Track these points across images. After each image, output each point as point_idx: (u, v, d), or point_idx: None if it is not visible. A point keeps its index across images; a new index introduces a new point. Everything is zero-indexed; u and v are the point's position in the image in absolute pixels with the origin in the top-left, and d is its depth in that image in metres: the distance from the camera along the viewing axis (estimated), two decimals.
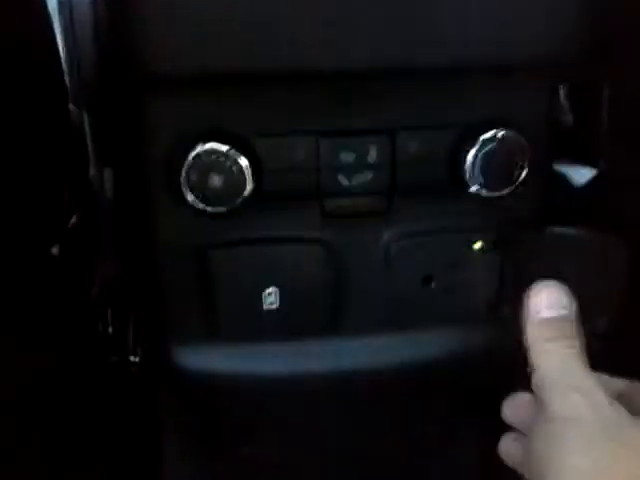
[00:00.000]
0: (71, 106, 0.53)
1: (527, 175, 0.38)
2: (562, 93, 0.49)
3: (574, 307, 0.34)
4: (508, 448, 0.37)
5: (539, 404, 0.31)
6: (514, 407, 0.37)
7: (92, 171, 0.51)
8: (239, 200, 0.36)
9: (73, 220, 0.51)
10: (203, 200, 0.36)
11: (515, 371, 0.42)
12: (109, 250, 0.53)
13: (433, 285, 0.41)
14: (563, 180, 0.49)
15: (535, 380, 0.32)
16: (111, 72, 0.37)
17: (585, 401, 0.29)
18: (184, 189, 0.36)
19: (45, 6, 0.41)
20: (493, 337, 0.43)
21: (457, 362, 0.43)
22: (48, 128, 0.41)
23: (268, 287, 0.39)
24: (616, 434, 0.28)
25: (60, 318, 0.49)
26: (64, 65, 0.41)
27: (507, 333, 0.42)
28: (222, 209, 0.37)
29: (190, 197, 0.36)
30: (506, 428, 0.41)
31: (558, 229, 0.41)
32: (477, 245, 0.40)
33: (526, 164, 0.38)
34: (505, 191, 0.39)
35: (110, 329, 0.54)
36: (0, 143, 0.38)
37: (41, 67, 0.40)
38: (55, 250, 0.47)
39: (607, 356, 0.38)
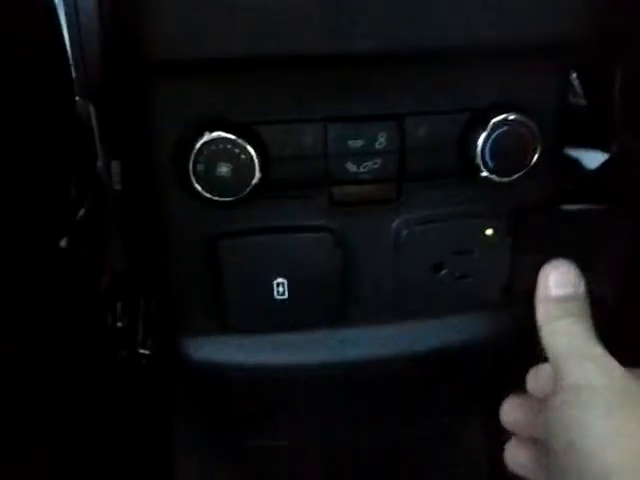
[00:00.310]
0: (78, 98, 0.53)
1: (538, 159, 0.38)
2: (574, 76, 0.49)
3: (582, 286, 0.35)
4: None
5: (555, 379, 0.31)
6: (536, 378, 0.37)
7: (100, 163, 0.50)
8: (247, 189, 0.36)
9: (81, 213, 0.51)
10: (211, 190, 0.36)
11: (530, 358, 0.41)
12: (118, 243, 0.53)
13: (444, 272, 0.40)
14: (575, 164, 0.48)
15: (550, 357, 0.32)
16: (116, 62, 0.36)
17: (599, 369, 0.30)
18: (192, 179, 0.36)
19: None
20: (506, 323, 0.42)
21: (469, 350, 0.42)
22: (54, 121, 0.41)
23: (277, 277, 0.39)
24: (636, 398, 0.28)
25: (68, 311, 0.49)
26: (70, 57, 0.40)
27: (521, 319, 0.42)
28: (230, 198, 0.36)
29: (198, 187, 0.36)
30: None
31: (570, 207, 0.40)
32: (488, 231, 0.40)
33: (538, 148, 0.38)
34: (516, 176, 0.38)
35: (119, 323, 0.54)
36: (5, 136, 0.38)
37: (45, 59, 0.40)
38: (63, 243, 0.46)
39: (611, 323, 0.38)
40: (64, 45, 0.41)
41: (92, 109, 0.48)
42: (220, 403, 0.45)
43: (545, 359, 0.35)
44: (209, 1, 0.32)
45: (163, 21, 0.32)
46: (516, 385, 0.41)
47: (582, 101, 0.49)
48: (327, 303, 0.40)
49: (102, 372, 0.53)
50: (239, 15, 0.32)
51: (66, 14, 0.38)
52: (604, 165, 0.47)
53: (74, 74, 0.40)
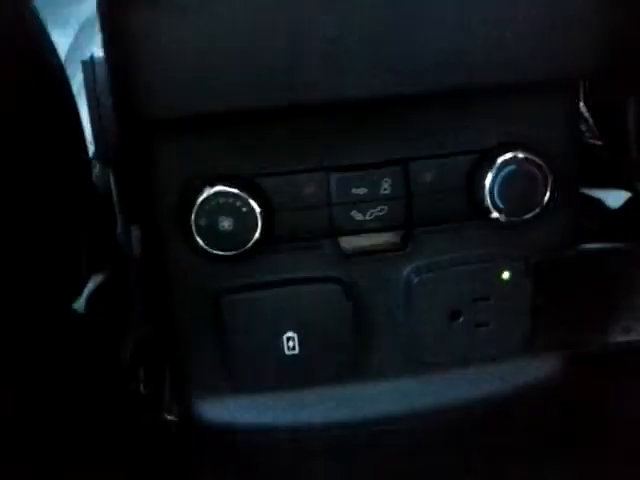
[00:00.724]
0: (97, 165, 0.54)
1: (551, 198, 0.37)
2: (588, 115, 0.48)
3: None
4: None
5: None
6: None
7: (119, 229, 0.51)
8: (250, 242, 0.36)
9: (100, 279, 0.51)
10: (213, 244, 0.36)
11: (559, 407, 0.39)
12: (140, 308, 0.53)
13: (461, 320, 0.39)
14: (598, 204, 0.47)
15: None
16: (124, 125, 0.37)
17: None
18: (194, 234, 0.35)
19: (62, 69, 0.42)
20: (532, 371, 0.40)
21: (496, 402, 0.40)
22: (66, 186, 0.41)
23: (287, 331, 0.38)
24: None
25: (89, 377, 0.48)
26: (89, 125, 0.41)
27: (546, 366, 0.40)
28: (233, 252, 0.36)
29: (200, 242, 0.36)
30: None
31: (591, 246, 0.38)
32: (505, 275, 0.38)
33: (549, 186, 0.36)
34: (529, 215, 0.37)
35: (142, 388, 0.53)
36: (18, 201, 0.38)
37: (57, 128, 0.41)
38: (81, 308, 0.46)
39: None
40: (77, 113, 0.42)
41: (111, 175, 0.49)
42: (235, 469, 0.43)
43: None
44: (200, 58, 0.32)
45: (156, 80, 0.32)
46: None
47: (599, 141, 0.48)
48: (341, 357, 0.39)
49: (126, 438, 0.52)
50: (233, 69, 0.32)
51: (85, 84, 0.39)
52: (627, 203, 0.45)
53: (92, 141, 0.41)
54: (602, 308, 0.39)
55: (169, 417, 0.55)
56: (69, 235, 0.41)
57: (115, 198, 0.48)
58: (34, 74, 0.39)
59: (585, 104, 0.46)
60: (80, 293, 0.43)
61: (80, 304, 0.47)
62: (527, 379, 0.40)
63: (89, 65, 0.39)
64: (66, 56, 0.62)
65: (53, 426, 0.45)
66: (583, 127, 0.49)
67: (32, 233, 0.38)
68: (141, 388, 0.55)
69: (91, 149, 0.53)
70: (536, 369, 0.39)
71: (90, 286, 0.50)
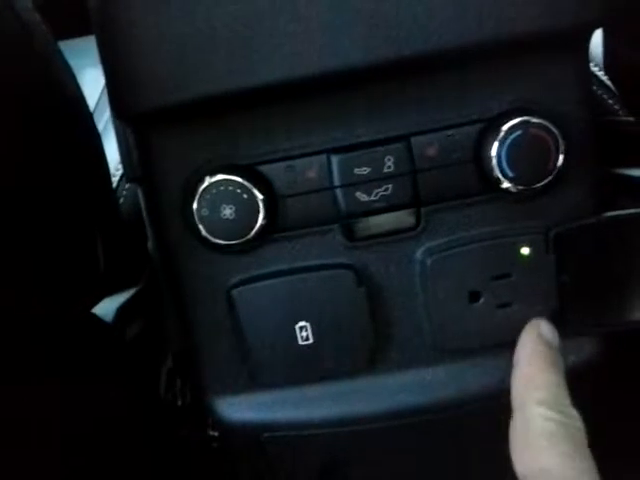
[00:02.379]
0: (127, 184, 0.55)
1: (565, 164, 0.35)
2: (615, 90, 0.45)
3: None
4: None
5: None
6: None
7: (150, 243, 0.52)
8: (253, 230, 0.35)
9: (133, 292, 0.52)
10: (217, 233, 0.35)
11: (590, 389, 0.36)
12: (175, 320, 0.53)
13: (482, 301, 0.37)
14: (629, 181, 0.44)
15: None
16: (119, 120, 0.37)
17: None
18: (197, 224, 0.35)
19: (82, 96, 0.43)
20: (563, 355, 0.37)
21: None
22: (80, 193, 0.42)
23: (299, 321, 0.37)
24: None
25: (121, 388, 0.48)
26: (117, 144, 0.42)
27: (579, 349, 0.37)
28: (237, 241, 0.35)
29: (204, 231, 0.35)
30: None
31: (613, 213, 0.36)
32: (524, 249, 0.36)
33: (561, 151, 0.34)
34: (542, 183, 0.35)
35: (180, 401, 0.53)
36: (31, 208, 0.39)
37: (79, 154, 0.42)
38: (107, 318, 0.47)
39: None
40: (100, 143, 0.43)
41: (140, 192, 0.50)
42: (260, 468, 0.42)
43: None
44: (190, 39, 0.32)
45: (147, 68, 0.33)
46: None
47: (629, 119, 0.45)
48: (358, 346, 0.37)
49: (159, 450, 0.52)
50: (220, 50, 0.32)
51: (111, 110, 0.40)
52: None
53: (121, 160, 0.42)
54: (635, 281, 0.36)
55: (211, 433, 0.54)
56: (83, 239, 0.42)
57: (144, 213, 0.49)
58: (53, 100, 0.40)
59: (608, 76, 0.44)
60: (98, 298, 0.44)
61: (109, 313, 0.48)
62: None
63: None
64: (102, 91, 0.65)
65: (89, 442, 0.45)
66: (613, 104, 0.47)
67: (47, 235, 0.38)
68: (178, 401, 0.55)
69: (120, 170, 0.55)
70: (567, 353, 0.36)
71: (123, 298, 0.51)
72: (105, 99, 0.59)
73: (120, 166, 0.52)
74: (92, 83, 0.59)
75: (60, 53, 0.40)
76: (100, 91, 0.65)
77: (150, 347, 0.53)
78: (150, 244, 0.52)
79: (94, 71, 0.65)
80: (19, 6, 0.35)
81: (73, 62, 0.41)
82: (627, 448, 0.42)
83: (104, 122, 0.58)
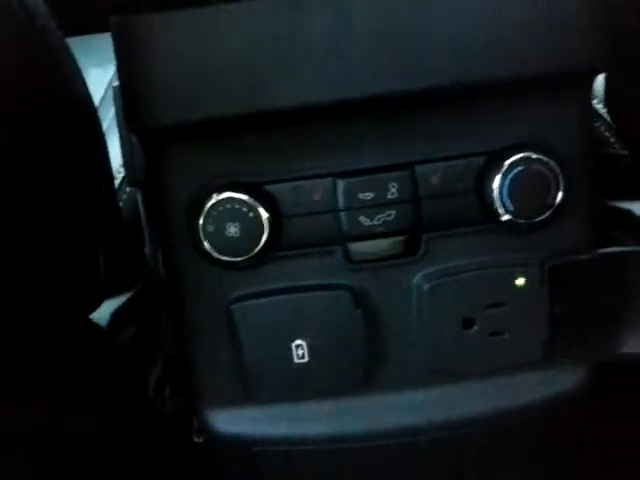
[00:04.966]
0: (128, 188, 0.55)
1: (564, 200, 0.36)
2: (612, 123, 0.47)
3: None
4: None
5: None
6: None
7: (147, 250, 0.52)
8: (257, 248, 0.36)
9: (128, 297, 0.52)
10: (221, 250, 0.36)
11: (580, 422, 0.37)
12: (168, 327, 0.53)
13: (475, 328, 0.38)
14: (626, 215, 0.45)
15: None
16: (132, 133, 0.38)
17: None
18: (202, 240, 0.36)
19: (89, 97, 0.43)
20: (551, 384, 0.38)
21: (513, 415, 0.38)
22: (79, 198, 0.43)
23: (296, 339, 0.37)
24: None
25: (114, 394, 0.49)
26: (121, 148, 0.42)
27: (566, 378, 0.38)
28: (241, 258, 0.36)
29: (208, 248, 0.36)
30: None
31: (608, 250, 0.37)
32: (519, 280, 0.37)
33: (561, 187, 0.35)
34: (541, 218, 0.36)
35: (168, 407, 0.53)
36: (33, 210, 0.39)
37: (81, 155, 0.42)
38: (102, 323, 0.47)
39: None
40: (103, 141, 0.44)
41: (139, 197, 0.50)
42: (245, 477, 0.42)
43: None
44: (207, 60, 0.33)
45: (159, 88, 0.33)
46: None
47: (625, 151, 0.46)
48: (353, 367, 0.38)
49: (149, 454, 0.52)
50: (235, 73, 0.33)
51: (115, 109, 0.40)
52: None
53: (124, 164, 0.42)
54: (624, 316, 0.37)
55: (197, 439, 0.55)
56: (85, 243, 0.42)
57: (143, 219, 0.49)
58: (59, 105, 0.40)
59: (609, 112, 0.45)
60: (97, 303, 0.44)
61: (104, 318, 0.48)
62: (546, 392, 0.39)
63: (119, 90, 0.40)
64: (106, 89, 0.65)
65: (78, 444, 0.46)
66: (610, 137, 0.48)
67: (48, 241, 0.39)
68: (167, 408, 0.55)
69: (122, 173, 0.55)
70: (555, 381, 0.37)
71: (117, 303, 0.52)
72: (109, 98, 0.60)
73: (121, 169, 0.53)
74: (96, 81, 0.60)
75: (70, 52, 0.40)
76: (104, 89, 0.65)
77: (142, 353, 0.53)
78: (147, 249, 0.52)
79: (98, 69, 0.65)
80: (31, 3, 0.35)
81: (77, 60, 0.41)
82: (611, 474, 0.43)
83: (108, 122, 0.58)
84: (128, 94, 0.34)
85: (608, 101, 0.44)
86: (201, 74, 0.33)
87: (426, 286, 0.37)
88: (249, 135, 0.36)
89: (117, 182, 0.55)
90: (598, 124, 0.49)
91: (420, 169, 0.36)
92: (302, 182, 0.36)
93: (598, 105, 0.49)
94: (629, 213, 0.46)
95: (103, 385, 0.48)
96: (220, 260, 0.36)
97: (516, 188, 0.35)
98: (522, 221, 0.36)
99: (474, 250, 0.37)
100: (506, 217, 0.36)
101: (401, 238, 0.37)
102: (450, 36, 0.33)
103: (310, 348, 0.37)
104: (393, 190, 0.36)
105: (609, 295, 0.37)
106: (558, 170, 0.35)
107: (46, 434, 0.42)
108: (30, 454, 0.42)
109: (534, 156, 0.35)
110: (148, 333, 0.54)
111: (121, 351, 0.50)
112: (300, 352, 0.38)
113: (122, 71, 0.34)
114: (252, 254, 0.36)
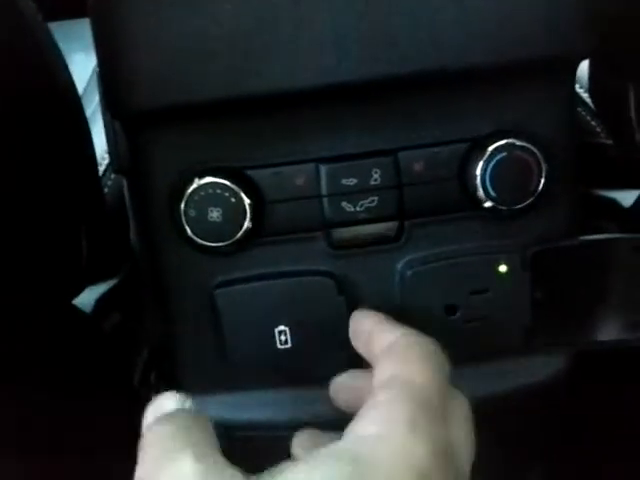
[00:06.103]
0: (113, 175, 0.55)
1: (546, 187, 0.36)
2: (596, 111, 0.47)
3: None
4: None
5: None
6: None
7: (133, 236, 0.52)
8: (239, 233, 0.36)
9: (112, 284, 0.52)
10: (203, 235, 0.36)
11: (560, 408, 0.37)
12: (153, 313, 0.53)
13: (458, 315, 0.38)
14: (611, 204, 0.45)
15: None
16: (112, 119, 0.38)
17: None
18: (184, 225, 0.36)
19: (72, 82, 0.43)
20: (532, 370, 0.39)
21: (492, 401, 0.39)
22: (64, 184, 0.42)
23: (278, 325, 0.37)
24: None
25: (98, 382, 0.49)
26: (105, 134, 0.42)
27: (547, 365, 0.38)
28: (223, 243, 0.36)
29: (190, 233, 0.36)
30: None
31: (589, 238, 0.37)
32: (502, 267, 0.37)
33: (543, 175, 0.35)
34: (523, 204, 0.36)
35: (153, 395, 0.53)
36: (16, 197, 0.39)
37: (68, 143, 0.42)
38: (86, 309, 0.47)
39: None
40: (87, 127, 0.43)
41: (125, 184, 0.50)
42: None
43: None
44: (189, 43, 0.32)
45: (138, 73, 0.33)
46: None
47: (609, 141, 0.46)
48: (335, 353, 0.38)
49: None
50: (217, 58, 0.33)
51: (99, 94, 0.40)
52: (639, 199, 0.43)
53: (108, 151, 0.42)
54: (606, 302, 0.37)
55: None
56: (68, 228, 0.42)
57: (128, 205, 0.49)
58: (43, 83, 0.40)
59: (592, 100, 0.45)
60: (80, 287, 0.44)
61: (88, 304, 0.48)
62: (527, 378, 0.39)
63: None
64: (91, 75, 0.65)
65: (59, 430, 0.45)
66: (596, 126, 0.48)
67: (30, 226, 0.39)
68: (153, 395, 0.55)
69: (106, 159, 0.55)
70: (536, 367, 0.38)
71: (102, 289, 0.51)
72: (94, 84, 0.59)
73: (106, 155, 0.52)
74: (81, 67, 0.59)
75: (51, 36, 0.40)
76: (89, 76, 0.64)
77: (127, 339, 0.53)
78: (132, 235, 0.52)
79: (82, 55, 0.64)
80: None
81: (61, 46, 0.41)
82: (591, 461, 0.43)
83: (92, 108, 0.58)
84: (107, 79, 0.34)
85: (591, 90, 0.44)
86: (181, 58, 0.32)
87: (409, 272, 0.37)
88: (231, 120, 0.35)
89: (102, 168, 0.55)
90: (584, 113, 0.49)
91: (403, 155, 0.36)
92: (284, 167, 0.36)
93: (585, 94, 0.49)
94: (614, 202, 0.46)
95: (88, 372, 0.48)
96: (203, 245, 0.36)
97: (498, 175, 0.35)
98: (504, 208, 0.36)
99: (457, 237, 0.37)
100: (488, 204, 0.36)
101: (384, 224, 0.37)
102: (433, 22, 0.33)
103: (293, 334, 0.37)
104: (376, 176, 0.36)
105: (591, 282, 0.37)
106: (541, 157, 0.35)
107: (30, 423, 0.42)
108: (15, 442, 0.42)
109: (517, 143, 0.35)
110: (133, 320, 0.54)
111: (106, 337, 0.50)
112: (283, 338, 0.38)
113: (101, 55, 0.34)
114: (234, 239, 0.36)
